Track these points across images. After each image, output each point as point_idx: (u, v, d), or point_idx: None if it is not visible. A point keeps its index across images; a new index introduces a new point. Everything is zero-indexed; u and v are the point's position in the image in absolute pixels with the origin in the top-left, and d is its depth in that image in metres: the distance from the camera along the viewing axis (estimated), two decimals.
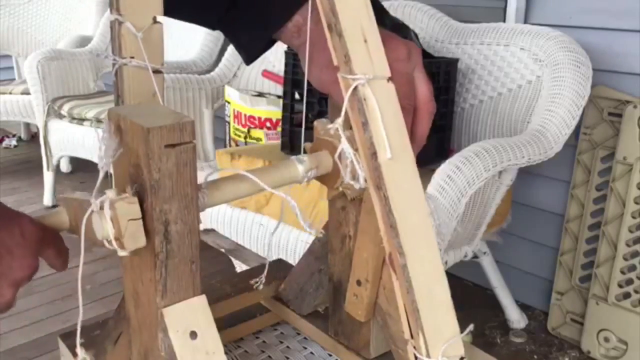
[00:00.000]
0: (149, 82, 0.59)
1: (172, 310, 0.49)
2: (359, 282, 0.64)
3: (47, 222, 0.52)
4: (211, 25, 0.80)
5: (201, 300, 0.50)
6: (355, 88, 0.51)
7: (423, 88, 0.62)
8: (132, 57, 0.58)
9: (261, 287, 0.79)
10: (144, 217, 0.46)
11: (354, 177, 0.57)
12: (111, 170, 0.49)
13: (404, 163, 0.53)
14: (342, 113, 0.54)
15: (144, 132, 0.44)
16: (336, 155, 0.58)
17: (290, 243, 1.61)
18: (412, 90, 0.61)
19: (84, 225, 0.46)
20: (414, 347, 0.53)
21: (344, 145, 0.56)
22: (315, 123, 0.63)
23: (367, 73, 0.52)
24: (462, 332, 0.54)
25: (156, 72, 0.59)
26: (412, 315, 0.53)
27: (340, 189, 0.60)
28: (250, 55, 0.76)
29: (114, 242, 0.45)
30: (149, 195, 0.46)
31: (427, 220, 0.53)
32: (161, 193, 0.46)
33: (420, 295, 0.51)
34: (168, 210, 0.47)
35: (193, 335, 0.49)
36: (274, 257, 1.53)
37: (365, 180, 0.55)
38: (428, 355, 0.51)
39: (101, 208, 0.45)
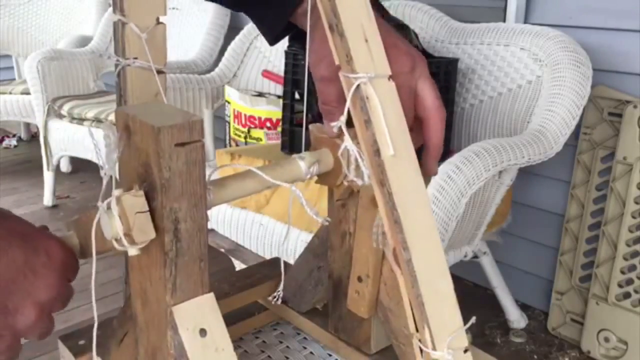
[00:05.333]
0: (152, 82, 0.59)
1: (182, 308, 0.50)
2: (359, 279, 0.65)
3: None
4: (232, 6, 0.80)
5: (209, 298, 0.51)
6: (358, 87, 0.52)
7: (430, 96, 0.61)
8: (136, 58, 0.58)
9: (279, 301, 0.79)
10: (153, 216, 0.47)
11: (358, 174, 0.58)
12: (115, 175, 0.49)
13: (407, 159, 0.53)
14: (345, 111, 0.54)
15: (155, 131, 0.45)
16: (339, 153, 0.58)
17: (290, 243, 1.62)
18: (412, 104, 0.61)
19: (94, 229, 0.46)
20: (419, 341, 0.54)
21: (347, 143, 0.56)
22: (311, 127, 0.63)
23: (369, 72, 0.52)
24: None
25: (159, 72, 0.60)
26: (417, 309, 0.53)
27: (346, 183, 0.60)
28: (272, 33, 0.75)
29: (123, 239, 0.45)
30: (159, 194, 0.46)
31: (430, 215, 0.53)
32: (171, 191, 0.46)
33: (425, 289, 0.52)
34: (178, 209, 0.47)
35: (202, 332, 0.50)
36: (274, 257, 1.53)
37: (369, 177, 0.55)
38: (434, 348, 0.52)
39: (108, 208, 0.45)
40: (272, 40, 0.76)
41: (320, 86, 0.62)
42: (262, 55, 2.43)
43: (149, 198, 0.47)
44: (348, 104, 0.53)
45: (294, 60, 1.80)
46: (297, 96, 1.84)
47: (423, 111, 0.61)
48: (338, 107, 0.60)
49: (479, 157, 1.43)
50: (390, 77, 0.54)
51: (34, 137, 3.89)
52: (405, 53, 0.61)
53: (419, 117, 0.62)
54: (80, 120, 2.69)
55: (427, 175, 0.61)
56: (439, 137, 0.61)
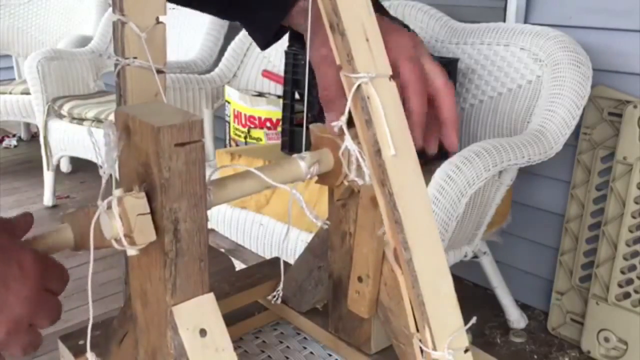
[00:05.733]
0: (152, 82, 0.59)
1: (182, 308, 0.50)
2: (360, 279, 0.65)
3: (50, 240, 0.50)
4: (221, 13, 0.80)
5: (209, 298, 0.51)
6: (359, 86, 0.52)
7: (438, 74, 0.64)
8: (135, 57, 0.58)
9: (279, 301, 0.80)
10: (153, 216, 0.47)
11: (359, 174, 0.58)
12: (115, 175, 0.49)
13: (407, 159, 0.53)
14: (346, 111, 0.54)
15: (155, 131, 0.45)
16: (340, 153, 0.58)
17: (290, 243, 1.62)
18: (425, 76, 0.63)
19: (92, 228, 0.46)
20: (420, 341, 0.54)
21: (348, 143, 0.56)
22: (311, 127, 0.63)
23: (370, 71, 0.52)
24: None
25: (159, 72, 0.60)
26: (417, 309, 0.53)
27: (346, 183, 0.61)
28: (264, 38, 0.76)
29: (123, 240, 0.45)
30: (159, 194, 0.46)
31: (431, 215, 0.53)
32: (171, 192, 0.46)
33: (426, 289, 0.52)
34: (178, 209, 0.47)
35: (202, 332, 0.50)
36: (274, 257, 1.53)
37: (370, 177, 0.55)
38: (434, 348, 0.52)
39: (109, 208, 0.45)
40: (264, 45, 0.76)
41: (321, 69, 0.63)
42: (262, 55, 2.43)
43: (148, 198, 0.47)
44: (349, 103, 0.53)
45: (294, 60, 1.80)
46: (297, 96, 1.84)
47: (434, 90, 0.64)
48: (337, 94, 0.60)
49: (479, 157, 1.43)
50: (391, 77, 0.54)
51: (34, 137, 3.89)
52: (405, 34, 0.63)
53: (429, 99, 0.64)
54: (80, 120, 2.69)
55: (451, 149, 0.65)
56: (454, 111, 0.64)
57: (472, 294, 2.18)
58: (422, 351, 0.54)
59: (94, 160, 2.61)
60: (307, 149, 0.63)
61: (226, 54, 2.51)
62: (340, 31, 0.52)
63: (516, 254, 2.09)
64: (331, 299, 0.73)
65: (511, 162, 1.48)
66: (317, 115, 1.80)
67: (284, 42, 0.82)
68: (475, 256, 1.85)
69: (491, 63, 1.85)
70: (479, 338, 1.96)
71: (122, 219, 0.45)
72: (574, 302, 1.90)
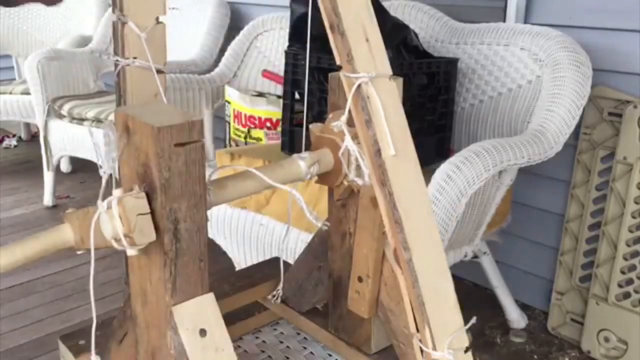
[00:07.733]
0: (152, 82, 0.59)
1: (182, 308, 0.50)
2: (360, 279, 0.65)
3: (50, 240, 0.50)
4: None
5: (209, 298, 0.51)
6: (359, 86, 0.52)
7: None
8: (135, 58, 0.58)
9: (278, 300, 0.80)
10: (152, 216, 0.47)
11: (359, 173, 0.58)
12: (115, 175, 0.49)
13: (407, 159, 0.53)
14: (346, 111, 0.54)
15: (154, 131, 0.45)
16: (340, 153, 0.58)
17: (290, 243, 1.62)
18: None
19: (92, 228, 0.46)
20: (420, 341, 0.54)
21: (348, 142, 0.56)
22: (311, 127, 0.63)
23: (370, 71, 0.52)
24: None
25: (159, 72, 0.60)
26: (417, 309, 0.53)
27: (346, 183, 0.61)
28: None
29: (123, 240, 0.45)
30: (159, 194, 0.46)
31: (431, 216, 0.53)
32: (171, 191, 0.46)
33: (426, 290, 0.52)
34: (178, 209, 0.47)
35: (202, 332, 0.50)
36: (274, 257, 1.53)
37: (369, 177, 0.55)
38: (434, 348, 0.52)
39: (109, 208, 0.45)
40: None
41: None
42: (262, 55, 2.43)
43: (148, 198, 0.47)
44: (349, 103, 0.53)
45: (294, 60, 1.80)
46: (297, 96, 1.84)
47: None
48: None
49: (479, 157, 1.43)
50: (391, 76, 0.54)
51: (34, 137, 3.89)
52: None
53: None
54: (80, 120, 2.69)
55: None
56: None
57: (472, 294, 2.18)
58: (422, 351, 0.54)
59: (94, 160, 2.61)
60: (307, 149, 0.63)
61: (226, 54, 2.51)
62: (340, 31, 0.52)
63: (516, 254, 2.09)
64: (331, 299, 0.73)
65: (511, 162, 1.48)
66: (317, 116, 1.80)
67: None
68: (475, 256, 1.85)
69: (491, 63, 1.85)
70: (479, 338, 1.96)
71: (122, 219, 0.45)
72: (574, 302, 1.90)
